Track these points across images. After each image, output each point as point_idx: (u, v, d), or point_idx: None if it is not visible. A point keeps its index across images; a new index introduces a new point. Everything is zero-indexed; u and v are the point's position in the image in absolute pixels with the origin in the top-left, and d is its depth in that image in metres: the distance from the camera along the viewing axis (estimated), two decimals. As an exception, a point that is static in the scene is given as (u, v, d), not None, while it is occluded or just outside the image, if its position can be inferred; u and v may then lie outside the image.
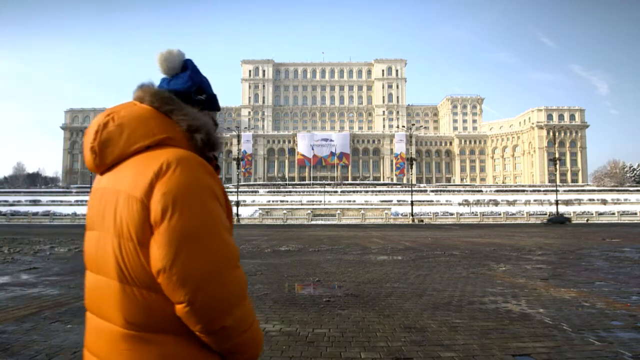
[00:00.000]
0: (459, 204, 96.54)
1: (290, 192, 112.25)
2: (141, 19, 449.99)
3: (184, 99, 1.43)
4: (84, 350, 1.36)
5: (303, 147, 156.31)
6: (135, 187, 1.24)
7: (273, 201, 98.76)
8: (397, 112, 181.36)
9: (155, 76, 1.54)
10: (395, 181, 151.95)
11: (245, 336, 1.27)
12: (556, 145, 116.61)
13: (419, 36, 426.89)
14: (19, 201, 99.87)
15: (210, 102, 1.52)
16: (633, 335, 5.64)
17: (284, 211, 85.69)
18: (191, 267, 1.16)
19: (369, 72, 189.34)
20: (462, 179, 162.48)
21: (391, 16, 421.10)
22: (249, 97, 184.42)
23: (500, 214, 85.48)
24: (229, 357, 1.29)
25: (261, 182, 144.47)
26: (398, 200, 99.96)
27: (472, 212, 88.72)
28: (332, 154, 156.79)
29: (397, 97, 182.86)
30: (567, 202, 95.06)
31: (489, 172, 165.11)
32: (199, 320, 1.18)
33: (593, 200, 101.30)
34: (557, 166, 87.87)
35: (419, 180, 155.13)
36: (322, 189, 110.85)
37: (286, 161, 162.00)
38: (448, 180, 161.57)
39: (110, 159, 1.33)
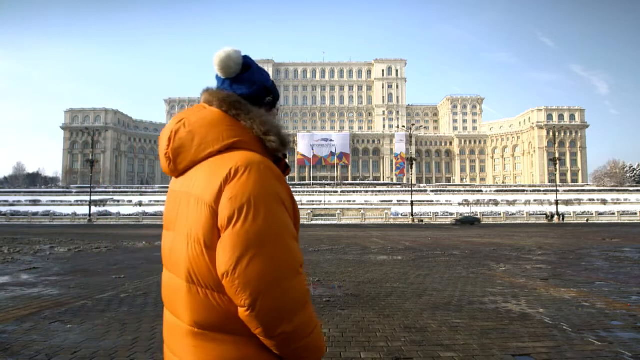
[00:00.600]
0: (459, 204, 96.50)
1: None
2: (141, 18, 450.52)
3: (251, 101, 1.46)
4: (163, 344, 1.46)
5: (303, 147, 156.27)
6: (205, 191, 1.28)
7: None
8: (397, 112, 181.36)
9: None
10: (395, 181, 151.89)
11: (306, 342, 1.27)
12: (556, 145, 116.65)
13: (419, 36, 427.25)
14: (19, 201, 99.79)
15: (276, 96, 1.55)
16: (633, 335, 5.63)
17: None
18: (253, 272, 1.18)
19: (369, 72, 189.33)
20: (462, 179, 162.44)
21: (391, 16, 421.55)
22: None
23: (500, 214, 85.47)
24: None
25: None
26: (398, 200, 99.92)
27: (472, 212, 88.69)
28: (332, 154, 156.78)
29: (397, 97, 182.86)
30: (567, 202, 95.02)
31: (489, 172, 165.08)
32: (259, 325, 1.21)
33: (593, 200, 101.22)
34: (557, 166, 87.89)
35: (419, 180, 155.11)
36: (322, 189, 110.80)
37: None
38: (448, 180, 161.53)
39: (184, 164, 1.39)
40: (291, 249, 1.25)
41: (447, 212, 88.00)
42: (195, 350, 1.29)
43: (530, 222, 75.82)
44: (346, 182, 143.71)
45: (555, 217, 76.80)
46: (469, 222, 66.73)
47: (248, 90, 1.47)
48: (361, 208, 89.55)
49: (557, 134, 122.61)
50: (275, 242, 1.22)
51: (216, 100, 1.43)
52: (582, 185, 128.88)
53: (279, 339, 1.23)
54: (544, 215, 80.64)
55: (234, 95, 1.43)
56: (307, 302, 1.29)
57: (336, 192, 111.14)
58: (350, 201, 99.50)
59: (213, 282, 1.27)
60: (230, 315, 1.27)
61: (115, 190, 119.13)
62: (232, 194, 1.23)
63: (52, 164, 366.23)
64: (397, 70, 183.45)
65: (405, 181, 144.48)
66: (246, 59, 1.48)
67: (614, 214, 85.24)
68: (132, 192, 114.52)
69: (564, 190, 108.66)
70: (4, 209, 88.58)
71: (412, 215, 79.19)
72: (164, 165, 1.44)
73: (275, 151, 1.42)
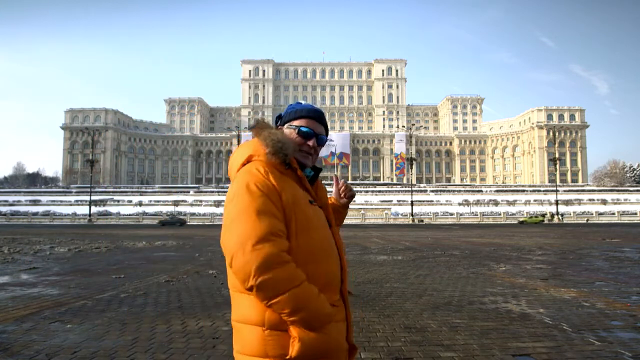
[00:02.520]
0: (459, 204, 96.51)
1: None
2: (141, 18, 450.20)
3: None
4: None
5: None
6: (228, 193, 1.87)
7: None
8: (397, 112, 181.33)
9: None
10: (395, 181, 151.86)
11: (281, 299, 1.63)
12: (556, 145, 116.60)
13: (419, 36, 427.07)
14: (19, 201, 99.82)
15: (284, 117, 2.07)
16: (633, 335, 5.63)
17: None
18: (227, 240, 1.69)
19: (369, 72, 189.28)
20: (462, 179, 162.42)
21: (391, 16, 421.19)
22: (249, 97, 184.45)
23: (500, 214, 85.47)
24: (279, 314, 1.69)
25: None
26: (398, 200, 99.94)
27: (472, 212, 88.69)
28: (332, 154, 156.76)
29: (397, 97, 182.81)
30: (567, 202, 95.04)
31: (489, 172, 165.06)
32: (237, 278, 1.67)
33: (593, 200, 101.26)
34: (557, 166, 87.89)
35: (419, 180, 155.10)
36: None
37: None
38: (448, 180, 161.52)
39: (232, 177, 1.93)
40: (254, 222, 1.66)
41: (447, 212, 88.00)
42: (232, 307, 1.82)
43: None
44: (346, 182, 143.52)
45: (556, 217, 76.76)
46: (171, 223, 65.40)
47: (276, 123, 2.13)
48: (361, 208, 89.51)
49: (557, 134, 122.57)
50: (239, 219, 1.68)
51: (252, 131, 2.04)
52: (582, 185, 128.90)
53: (254, 291, 1.64)
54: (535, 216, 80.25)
55: (257, 124, 2.00)
56: (276, 265, 1.62)
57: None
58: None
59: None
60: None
61: (115, 190, 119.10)
62: (228, 191, 1.83)
63: (52, 164, 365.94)
64: (397, 70, 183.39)
65: (405, 181, 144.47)
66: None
67: (614, 214, 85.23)
68: (132, 192, 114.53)
69: (564, 190, 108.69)
70: (4, 209, 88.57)
71: (412, 215, 79.19)
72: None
73: (273, 156, 1.84)
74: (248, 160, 1.88)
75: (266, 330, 1.70)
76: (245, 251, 1.62)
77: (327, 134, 2.10)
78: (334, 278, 1.87)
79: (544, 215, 78.49)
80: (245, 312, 1.75)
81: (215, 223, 75.03)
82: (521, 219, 75.86)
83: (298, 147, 1.96)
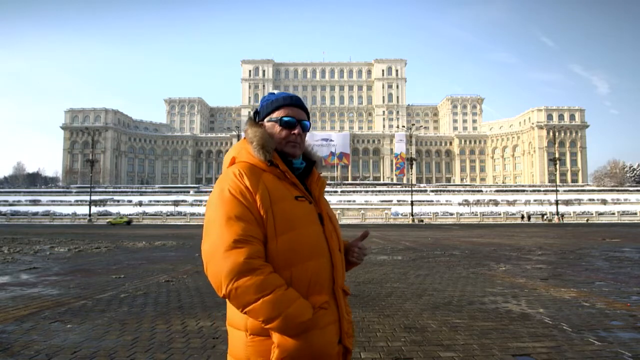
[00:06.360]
0: (459, 204, 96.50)
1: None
2: (142, 18, 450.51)
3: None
4: None
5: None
6: None
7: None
8: (397, 112, 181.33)
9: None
10: (395, 181, 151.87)
11: (253, 308, 1.61)
12: (556, 145, 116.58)
13: (419, 36, 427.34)
14: (19, 201, 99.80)
15: (261, 112, 1.97)
16: (633, 335, 5.63)
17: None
18: (203, 251, 1.70)
19: (369, 72, 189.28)
20: (462, 179, 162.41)
21: (391, 16, 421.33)
22: (249, 97, 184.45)
23: (500, 214, 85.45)
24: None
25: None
26: (398, 200, 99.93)
27: (472, 212, 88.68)
28: (332, 154, 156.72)
29: (397, 97, 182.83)
30: (567, 202, 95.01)
31: (489, 172, 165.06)
32: (213, 286, 1.67)
33: (593, 200, 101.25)
34: (557, 166, 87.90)
35: (419, 180, 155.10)
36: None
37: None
38: (448, 180, 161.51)
39: None
40: (222, 229, 1.65)
41: (447, 212, 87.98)
42: (227, 309, 1.82)
43: (530, 222, 75.77)
44: (346, 182, 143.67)
45: (556, 217, 76.74)
46: (121, 223, 63.95)
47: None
48: (361, 208, 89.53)
49: (557, 134, 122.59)
50: (211, 226, 1.69)
51: None
52: (582, 185, 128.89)
53: (227, 298, 1.65)
54: (521, 216, 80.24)
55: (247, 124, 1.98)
56: (243, 273, 1.60)
57: (336, 192, 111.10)
58: (350, 201, 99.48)
59: None
60: None
61: (115, 190, 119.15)
62: None
63: (52, 164, 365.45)
64: (397, 70, 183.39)
65: (405, 181, 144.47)
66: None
67: (614, 214, 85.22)
68: (132, 192, 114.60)
69: (564, 190, 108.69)
70: (4, 209, 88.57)
71: (412, 215, 79.16)
72: None
73: (260, 154, 1.80)
74: (232, 163, 1.87)
75: (249, 335, 1.69)
76: (215, 260, 1.63)
77: (308, 118, 1.98)
78: (322, 278, 1.77)
79: (126, 216, 74.80)
80: (233, 316, 1.76)
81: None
82: (108, 220, 73.80)
83: (284, 140, 1.88)
